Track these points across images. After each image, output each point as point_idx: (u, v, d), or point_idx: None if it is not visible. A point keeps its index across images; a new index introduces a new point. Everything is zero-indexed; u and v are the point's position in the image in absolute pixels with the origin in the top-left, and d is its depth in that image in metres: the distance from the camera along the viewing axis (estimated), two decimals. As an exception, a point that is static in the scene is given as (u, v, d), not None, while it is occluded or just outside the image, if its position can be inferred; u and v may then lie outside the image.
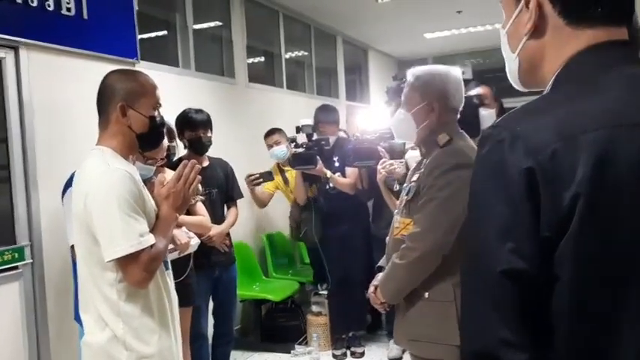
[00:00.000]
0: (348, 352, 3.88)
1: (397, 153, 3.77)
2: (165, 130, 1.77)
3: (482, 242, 0.76)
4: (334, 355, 3.84)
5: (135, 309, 1.55)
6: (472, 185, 0.79)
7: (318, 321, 3.94)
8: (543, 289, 0.72)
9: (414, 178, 1.83)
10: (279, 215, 4.89)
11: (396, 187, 3.81)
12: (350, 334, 3.95)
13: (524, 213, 0.72)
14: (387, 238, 1.94)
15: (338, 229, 3.75)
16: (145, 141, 1.67)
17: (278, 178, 4.09)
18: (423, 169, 1.81)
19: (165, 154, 2.33)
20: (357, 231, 3.82)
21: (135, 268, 1.50)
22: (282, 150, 3.95)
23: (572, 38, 0.81)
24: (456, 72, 1.87)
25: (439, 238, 1.69)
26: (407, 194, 1.82)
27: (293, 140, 3.64)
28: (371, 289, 1.89)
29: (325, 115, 3.91)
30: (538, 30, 0.84)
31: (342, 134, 4.13)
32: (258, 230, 4.60)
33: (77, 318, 2.34)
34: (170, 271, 1.72)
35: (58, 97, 2.89)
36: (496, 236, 0.74)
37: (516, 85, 0.96)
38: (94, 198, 1.52)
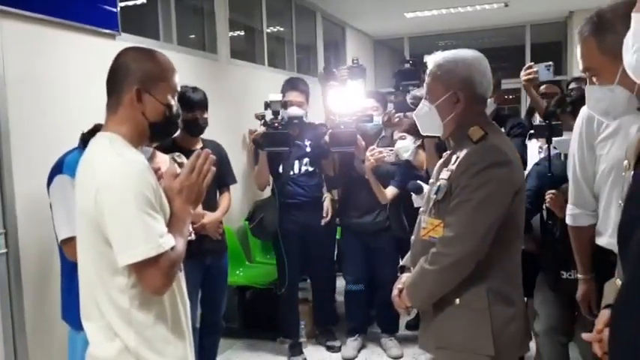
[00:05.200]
0: (324, 348, 3.71)
1: (370, 137, 3.56)
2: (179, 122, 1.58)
3: None
4: None
5: (148, 317, 1.39)
6: None
7: (303, 309, 3.81)
8: None
9: (443, 175, 1.70)
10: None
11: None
12: (322, 328, 3.82)
13: None
14: (412, 237, 1.83)
15: (298, 220, 3.47)
16: (157, 131, 1.48)
17: None
18: (453, 166, 1.68)
19: None
20: (317, 222, 3.55)
21: (154, 274, 1.33)
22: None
23: None
24: (481, 56, 1.75)
25: (474, 244, 1.57)
26: (435, 193, 1.70)
27: (262, 117, 3.22)
28: (395, 291, 1.77)
29: (292, 85, 3.52)
30: None
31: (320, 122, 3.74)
32: (241, 214, 4.43)
33: (66, 317, 2.16)
34: (183, 273, 1.56)
35: (34, 70, 2.62)
36: None
37: None
38: (107, 193, 1.32)
